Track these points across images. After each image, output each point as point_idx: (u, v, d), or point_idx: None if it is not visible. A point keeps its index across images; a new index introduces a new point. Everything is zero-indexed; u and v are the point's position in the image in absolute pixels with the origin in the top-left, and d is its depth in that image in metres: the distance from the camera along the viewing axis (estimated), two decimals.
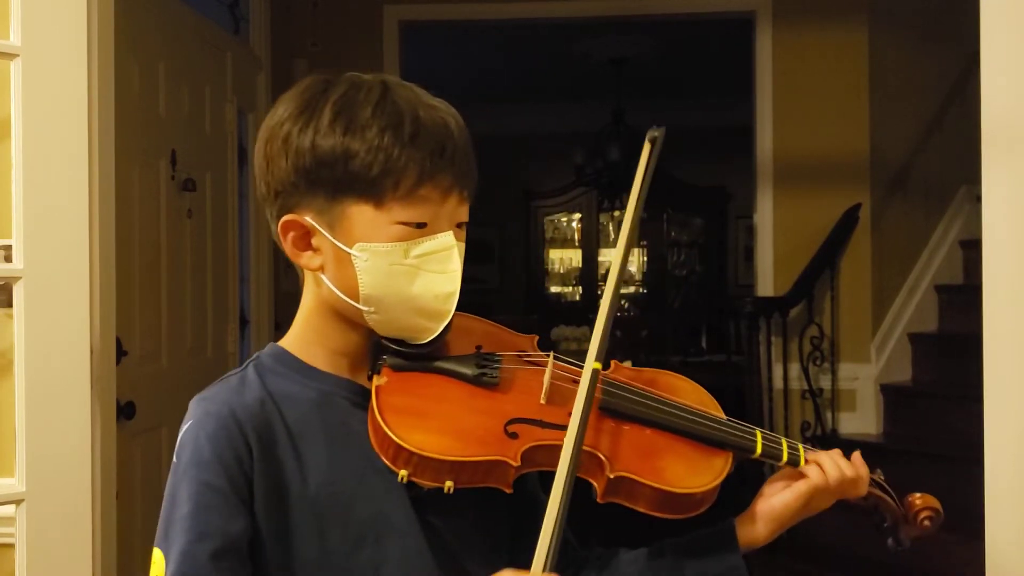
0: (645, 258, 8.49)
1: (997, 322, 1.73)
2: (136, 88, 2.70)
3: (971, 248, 4.40)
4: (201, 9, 3.27)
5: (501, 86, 7.44)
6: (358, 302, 1.03)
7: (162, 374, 2.88)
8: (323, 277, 1.05)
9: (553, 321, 7.65)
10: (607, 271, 8.65)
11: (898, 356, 4.45)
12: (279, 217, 1.05)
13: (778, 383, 4.35)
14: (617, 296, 1.07)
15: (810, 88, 4.42)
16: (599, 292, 8.54)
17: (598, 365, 1.00)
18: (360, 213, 1.01)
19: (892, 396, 4.38)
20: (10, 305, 1.84)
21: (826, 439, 4.29)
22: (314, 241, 1.04)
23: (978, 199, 1.79)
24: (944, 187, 4.61)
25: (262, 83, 3.79)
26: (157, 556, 0.97)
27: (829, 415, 4.39)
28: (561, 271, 8.85)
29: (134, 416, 2.53)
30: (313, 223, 1.03)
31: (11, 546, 1.85)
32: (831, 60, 4.41)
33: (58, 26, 1.87)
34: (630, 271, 8.78)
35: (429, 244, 1.02)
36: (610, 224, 8.66)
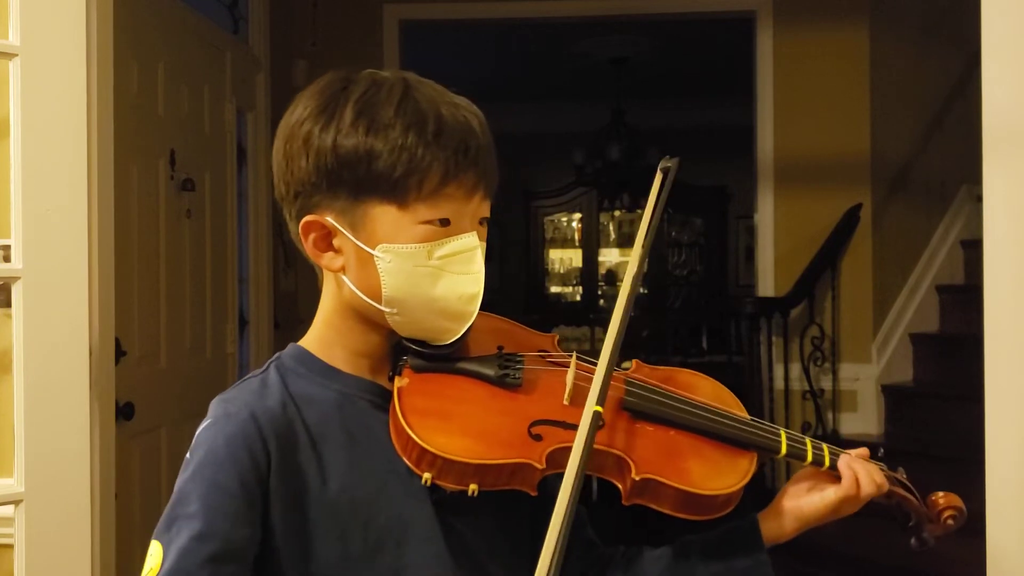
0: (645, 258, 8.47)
1: (998, 322, 1.72)
2: (135, 88, 2.70)
3: (972, 248, 4.39)
4: (201, 9, 3.27)
5: (501, 86, 7.44)
6: (380, 303, 1.02)
7: (161, 374, 2.88)
8: (344, 278, 1.04)
9: (553, 321, 7.65)
10: (607, 272, 8.66)
11: (899, 356, 4.44)
12: (299, 218, 1.04)
13: (779, 383, 4.34)
14: (625, 322, 1.05)
15: (811, 88, 4.41)
16: (599, 292, 8.54)
17: (599, 408, 0.96)
18: (384, 214, 1.00)
19: (893, 396, 4.37)
20: (9, 305, 1.84)
21: (827, 440, 4.25)
22: (335, 242, 1.03)
23: (979, 199, 1.79)
24: (945, 187, 4.61)
25: (261, 83, 3.78)
26: (155, 548, 0.95)
27: (830, 415, 4.38)
28: (561, 271, 8.85)
29: (133, 417, 2.53)
30: (335, 224, 1.02)
31: (10, 547, 1.85)
32: (832, 60, 4.41)
33: (57, 26, 1.86)
34: None
35: (453, 245, 1.02)
36: (610, 224, 8.66)
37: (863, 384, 4.40)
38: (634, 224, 8.54)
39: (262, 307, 3.78)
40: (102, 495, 1.97)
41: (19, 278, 1.81)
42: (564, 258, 8.83)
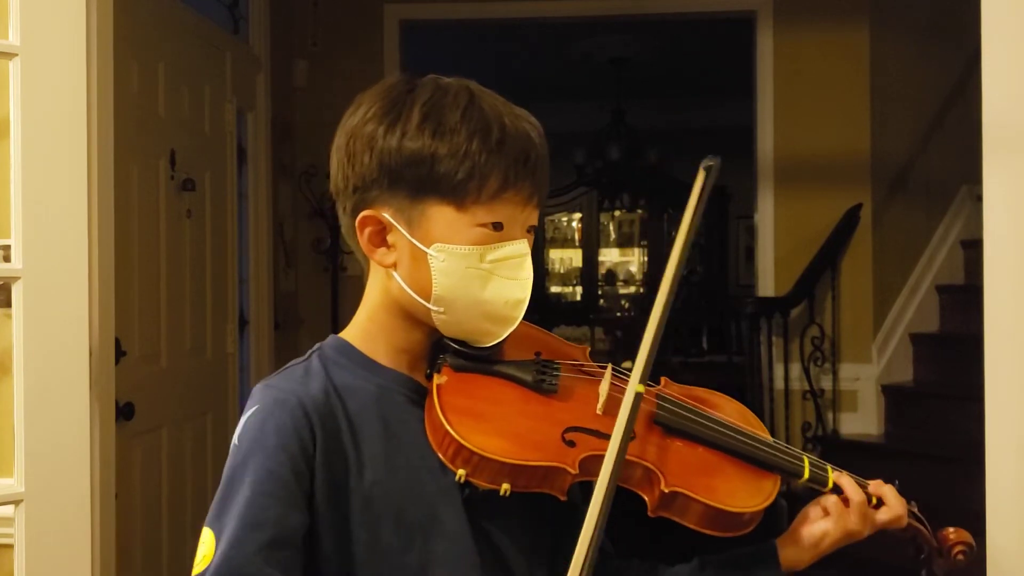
0: (645, 258, 8.49)
1: (998, 322, 1.72)
2: (135, 88, 2.70)
3: (972, 248, 4.39)
4: (201, 9, 3.27)
5: (501, 86, 7.41)
6: (429, 302, 1.04)
7: (161, 375, 2.88)
8: (395, 274, 1.06)
9: (553, 321, 7.65)
10: (607, 272, 8.66)
11: (899, 356, 4.44)
12: (355, 212, 1.06)
13: (779, 383, 4.34)
14: (666, 316, 1.08)
15: (811, 88, 4.41)
16: (599, 292, 8.55)
17: (641, 388, 1.00)
18: (441, 214, 1.02)
19: (893, 396, 4.37)
20: (9, 305, 1.84)
21: (827, 440, 4.29)
22: (390, 238, 1.06)
23: (979, 199, 1.79)
24: (945, 187, 4.61)
25: (262, 83, 3.78)
26: (207, 535, 0.96)
27: (830, 416, 4.38)
28: (561, 271, 8.85)
29: (133, 417, 2.53)
30: (391, 220, 1.04)
31: (10, 547, 1.85)
32: (832, 60, 4.41)
33: (57, 26, 1.86)
34: (630, 271, 8.78)
35: (504, 250, 1.05)
36: (610, 224, 8.67)
37: (863, 384, 4.40)
38: (634, 224, 8.55)
39: (262, 307, 3.78)
40: (102, 495, 1.97)
41: (19, 278, 1.81)
42: (564, 258, 8.83)
